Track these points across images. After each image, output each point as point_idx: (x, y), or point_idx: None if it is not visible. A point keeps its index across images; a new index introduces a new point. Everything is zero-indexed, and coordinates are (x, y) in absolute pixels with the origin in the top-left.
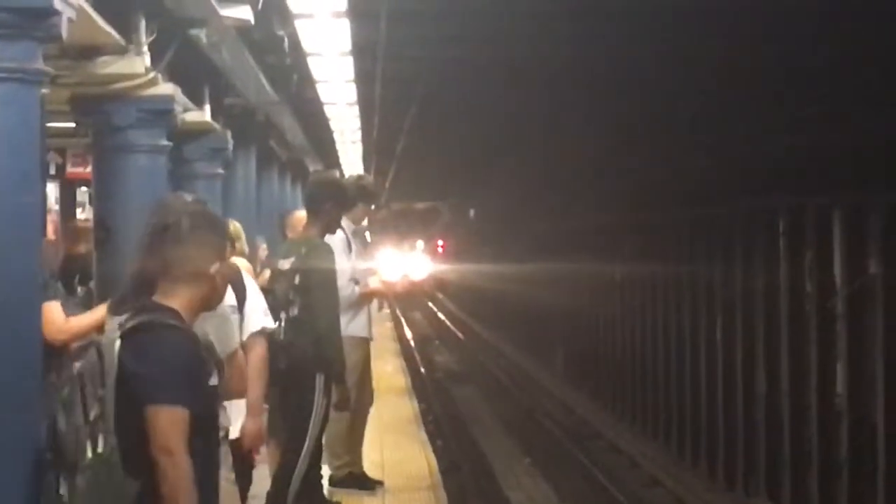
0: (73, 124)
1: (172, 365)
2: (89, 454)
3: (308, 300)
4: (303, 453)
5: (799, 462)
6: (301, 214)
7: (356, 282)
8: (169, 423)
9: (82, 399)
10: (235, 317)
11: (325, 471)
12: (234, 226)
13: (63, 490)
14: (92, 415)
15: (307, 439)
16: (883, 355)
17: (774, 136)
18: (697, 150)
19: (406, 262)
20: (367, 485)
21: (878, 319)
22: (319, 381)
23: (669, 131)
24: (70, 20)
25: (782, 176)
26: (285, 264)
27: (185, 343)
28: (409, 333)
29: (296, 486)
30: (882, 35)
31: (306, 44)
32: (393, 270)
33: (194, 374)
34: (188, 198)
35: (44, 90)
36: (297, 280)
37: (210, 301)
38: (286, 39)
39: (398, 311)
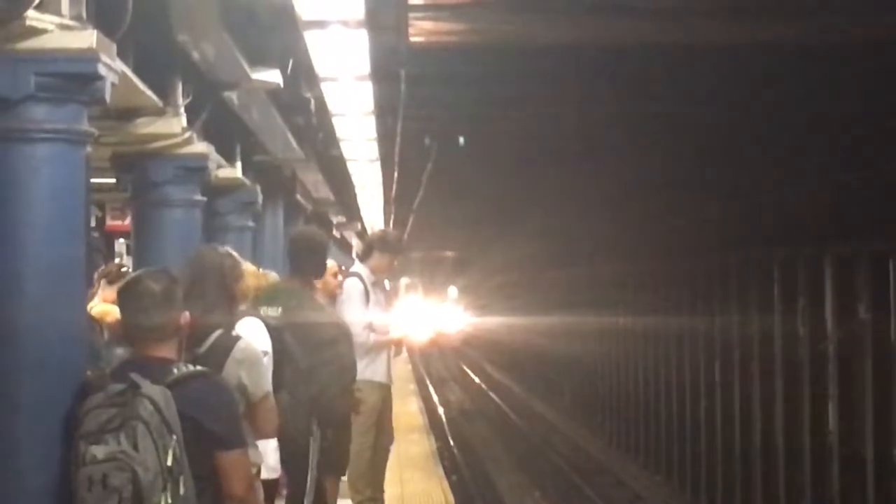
0: (113, 180)
1: (233, 410)
2: (169, 499)
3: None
4: (306, 491)
5: (793, 494)
6: (328, 266)
7: (372, 329)
8: (241, 464)
9: (154, 446)
10: (267, 360)
11: None
12: (266, 277)
13: None
14: (169, 460)
15: (308, 480)
16: (872, 394)
17: (767, 192)
18: (688, 209)
19: (435, 313)
20: None
21: (867, 361)
22: (315, 431)
23: (667, 190)
24: (113, 84)
25: (775, 229)
26: (269, 311)
27: (232, 390)
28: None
29: None
30: (852, 98)
31: (331, 105)
32: (419, 325)
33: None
34: (221, 249)
35: (88, 149)
36: (287, 335)
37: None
38: (312, 101)
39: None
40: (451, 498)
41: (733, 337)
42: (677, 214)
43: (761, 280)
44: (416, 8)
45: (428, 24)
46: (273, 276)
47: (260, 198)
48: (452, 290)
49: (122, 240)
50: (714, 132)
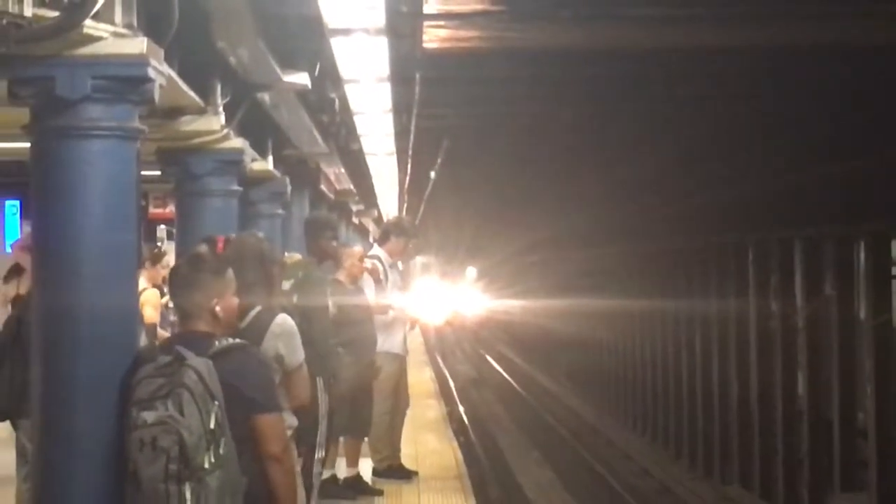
0: (156, 172)
1: (269, 378)
2: (212, 458)
3: (304, 311)
4: (317, 444)
5: (767, 453)
6: (351, 250)
7: (389, 309)
8: (277, 427)
9: (199, 411)
10: None
11: (369, 464)
12: (292, 257)
13: (189, 497)
14: (212, 423)
15: (318, 434)
16: (838, 362)
17: (746, 180)
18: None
19: (451, 295)
20: (405, 475)
21: (832, 332)
22: (319, 382)
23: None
24: (161, 86)
25: (752, 214)
26: (286, 285)
27: (268, 360)
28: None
29: (319, 470)
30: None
31: (353, 104)
32: (434, 306)
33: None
34: (258, 234)
35: (138, 145)
36: (294, 298)
37: (226, 329)
38: (336, 100)
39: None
40: (459, 457)
41: (712, 313)
42: (666, 204)
43: (738, 261)
44: (430, 17)
45: (441, 32)
46: (297, 257)
47: (289, 188)
48: (471, 271)
49: (162, 226)
50: (698, 129)
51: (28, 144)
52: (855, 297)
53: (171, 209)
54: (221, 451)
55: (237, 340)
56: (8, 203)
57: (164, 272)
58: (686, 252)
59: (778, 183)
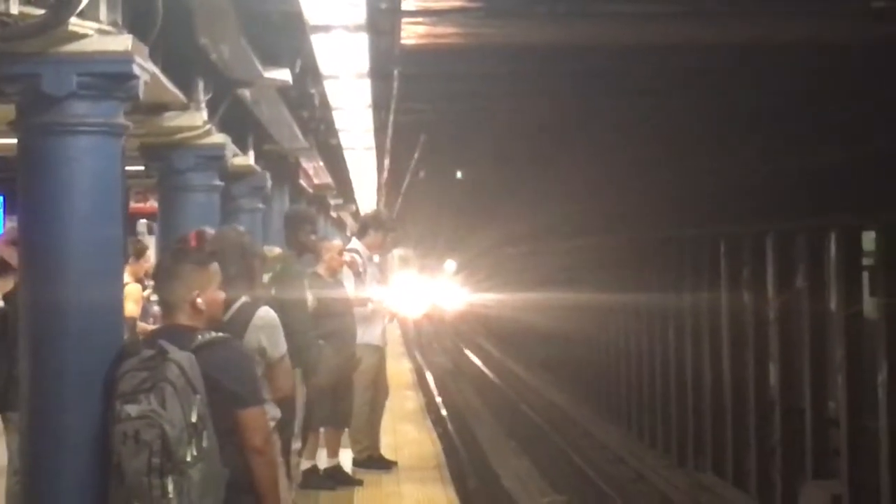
0: (137, 167)
1: (251, 372)
2: (194, 451)
3: (281, 304)
4: (294, 435)
5: (740, 442)
6: (330, 244)
7: (368, 302)
8: (259, 420)
9: (181, 405)
10: None
11: (349, 454)
12: (272, 251)
13: (171, 490)
14: (194, 417)
15: (295, 423)
16: (809, 352)
17: (719, 175)
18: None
19: (430, 288)
20: (385, 465)
21: (804, 324)
22: (297, 374)
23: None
24: (146, 83)
25: (725, 207)
26: (265, 278)
27: (250, 353)
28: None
29: (297, 460)
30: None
31: (332, 100)
32: (413, 300)
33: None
34: (239, 228)
35: (124, 141)
36: (272, 291)
37: (209, 323)
38: (317, 96)
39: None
40: (438, 447)
41: (685, 305)
42: (639, 198)
43: (710, 253)
44: (409, 13)
45: (419, 29)
46: (277, 251)
47: (269, 183)
48: (450, 265)
49: (143, 220)
50: (672, 125)
51: (13, 140)
52: (826, 289)
53: (151, 203)
54: (204, 445)
55: (220, 334)
56: None
57: (147, 266)
58: (659, 245)
59: (750, 177)
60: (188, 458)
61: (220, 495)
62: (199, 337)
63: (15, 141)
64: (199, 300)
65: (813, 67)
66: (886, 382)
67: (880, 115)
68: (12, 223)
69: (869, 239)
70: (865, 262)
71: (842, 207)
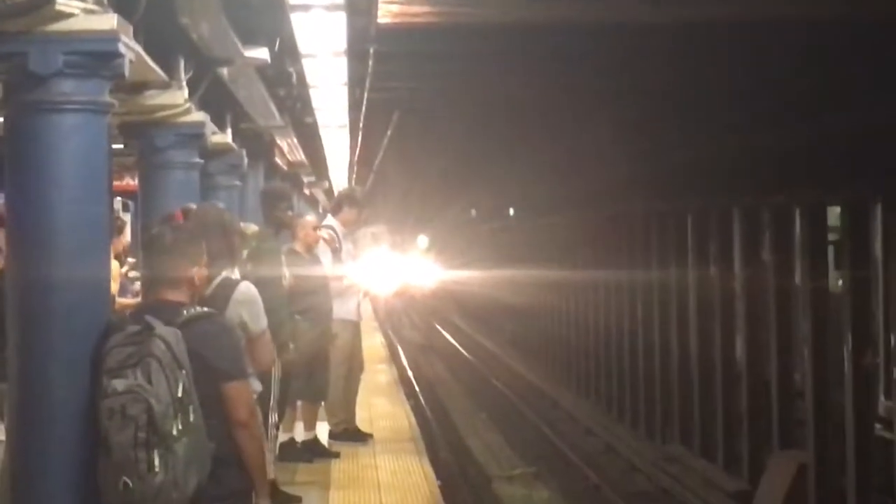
0: (116, 146)
1: (236, 347)
2: (180, 425)
3: (257, 281)
4: (271, 408)
5: (707, 414)
6: (304, 220)
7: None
8: (244, 394)
9: (166, 380)
10: None
11: (325, 427)
12: (249, 228)
13: (157, 463)
14: (180, 392)
15: (271, 398)
16: (775, 326)
17: (687, 151)
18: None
19: (403, 265)
20: (361, 437)
21: (769, 296)
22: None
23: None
24: (131, 61)
25: (692, 183)
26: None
27: (234, 329)
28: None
29: (274, 433)
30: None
31: (309, 78)
32: (384, 278)
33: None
34: (219, 205)
35: (109, 118)
36: (248, 266)
37: (194, 298)
38: (294, 75)
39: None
40: (412, 420)
41: (653, 279)
42: (606, 174)
43: (677, 228)
44: None
45: (394, 7)
46: (253, 227)
47: (245, 161)
48: (422, 240)
49: (118, 198)
50: (642, 101)
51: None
52: (792, 264)
53: (127, 181)
54: (190, 419)
55: (205, 309)
56: None
57: (125, 242)
58: (627, 220)
59: (717, 153)
60: (174, 433)
61: (206, 468)
62: (185, 312)
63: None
64: (195, 275)
65: (780, 45)
66: (851, 355)
67: (845, 94)
68: None
69: (834, 215)
70: (830, 237)
71: (807, 184)
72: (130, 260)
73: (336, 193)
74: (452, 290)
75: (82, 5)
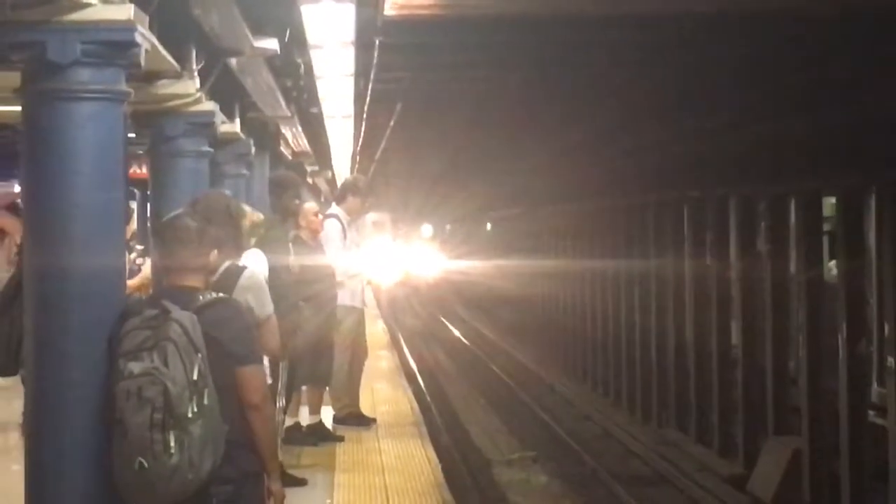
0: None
1: (250, 331)
2: (195, 408)
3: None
4: (277, 393)
5: (703, 399)
6: (307, 207)
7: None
8: (257, 377)
9: (182, 363)
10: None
11: (330, 411)
12: (257, 216)
13: (173, 444)
14: (195, 375)
15: (279, 384)
16: (771, 314)
17: (684, 142)
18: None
19: (406, 254)
20: (364, 421)
21: (766, 286)
22: None
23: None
24: (146, 51)
25: (689, 173)
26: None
27: (249, 314)
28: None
29: (281, 417)
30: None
31: (317, 69)
32: (387, 267)
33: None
34: (226, 192)
35: (125, 107)
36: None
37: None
38: (302, 65)
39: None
40: (414, 405)
41: (650, 268)
42: (606, 164)
43: (674, 218)
44: None
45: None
46: (259, 215)
47: (252, 150)
48: (426, 229)
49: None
50: (638, 93)
51: (11, 108)
52: (787, 253)
53: (134, 169)
54: (204, 401)
55: (220, 294)
56: None
57: (132, 229)
58: (625, 209)
59: (713, 144)
60: (189, 415)
61: (220, 449)
62: (201, 297)
63: (14, 108)
64: (210, 261)
65: (775, 39)
66: (845, 343)
67: (839, 86)
68: (3, 188)
69: (829, 204)
70: (826, 227)
71: (803, 173)
72: (139, 247)
73: (339, 183)
74: (454, 279)
75: None
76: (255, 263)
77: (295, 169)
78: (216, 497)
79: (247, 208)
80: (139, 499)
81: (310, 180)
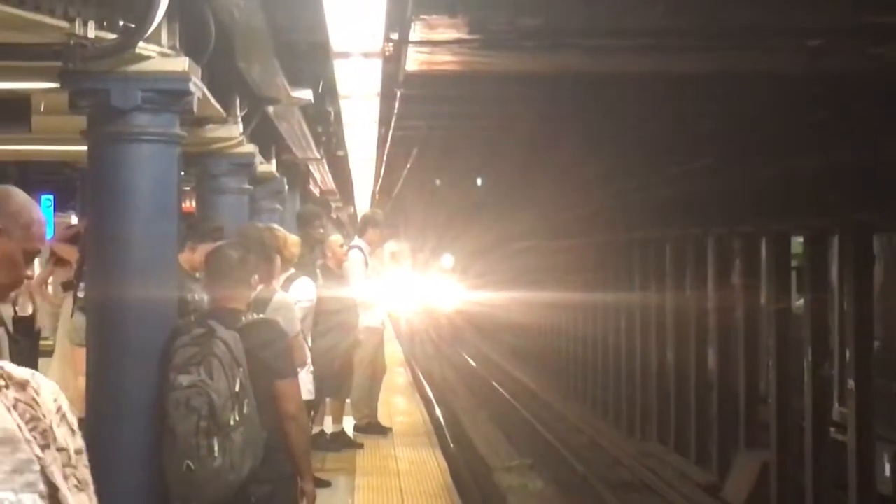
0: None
1: (287, 348)
2: (237, 416)
3: None
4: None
5: (681, 416)
6: (332, 240)
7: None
8: (294, 390)
9: (226, 376)
10: (298, 306)
11: (351, 421)
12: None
13: (216, 449)
14: (237, 387)
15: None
16: (743, 340)
17: (668, 186)
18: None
19: (425, 285)
20: (382, 431)
21: (739, 315)
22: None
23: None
24: (199, 99)
25: (671, 214)
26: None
27: (287, 334)
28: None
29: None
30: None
31: (345, 116)
32: (405, 299)
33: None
34: (261, 225)
35: (179, 149)
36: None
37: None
38: (332, 113)
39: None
40: (426, 416)
41: (636, 299)
42: (599, 205)
43: (657, 254)
44: (415, 43)
45: (421, 56)
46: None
47: (286, 187)
48: (447, 260)
49: None
50: (633, 144)
51: (64, 147)
52: (759, 287)
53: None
54: (245, 411)
55: (261, 315)
56: (43, 197)
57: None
58: (615, 246)
59: (693, 188)
60: (231, 423)
61: (259, 454)
62: (243, 318)
63: (64, 148)
64: (251, 286)
65: (755, 95)
66: (810, 366)
67: (809, 137)
68: (61, 219)
69: (797, 243)
70: (794, 263)
71: (773, 215)
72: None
73: (360, 217)
74: (467, 310)
75: (159, 49)
76: (303, 291)
77: (321, 205)
78: (254, 496)
79: (295, 238)
80: (186, 497)
81: (334, 215)
